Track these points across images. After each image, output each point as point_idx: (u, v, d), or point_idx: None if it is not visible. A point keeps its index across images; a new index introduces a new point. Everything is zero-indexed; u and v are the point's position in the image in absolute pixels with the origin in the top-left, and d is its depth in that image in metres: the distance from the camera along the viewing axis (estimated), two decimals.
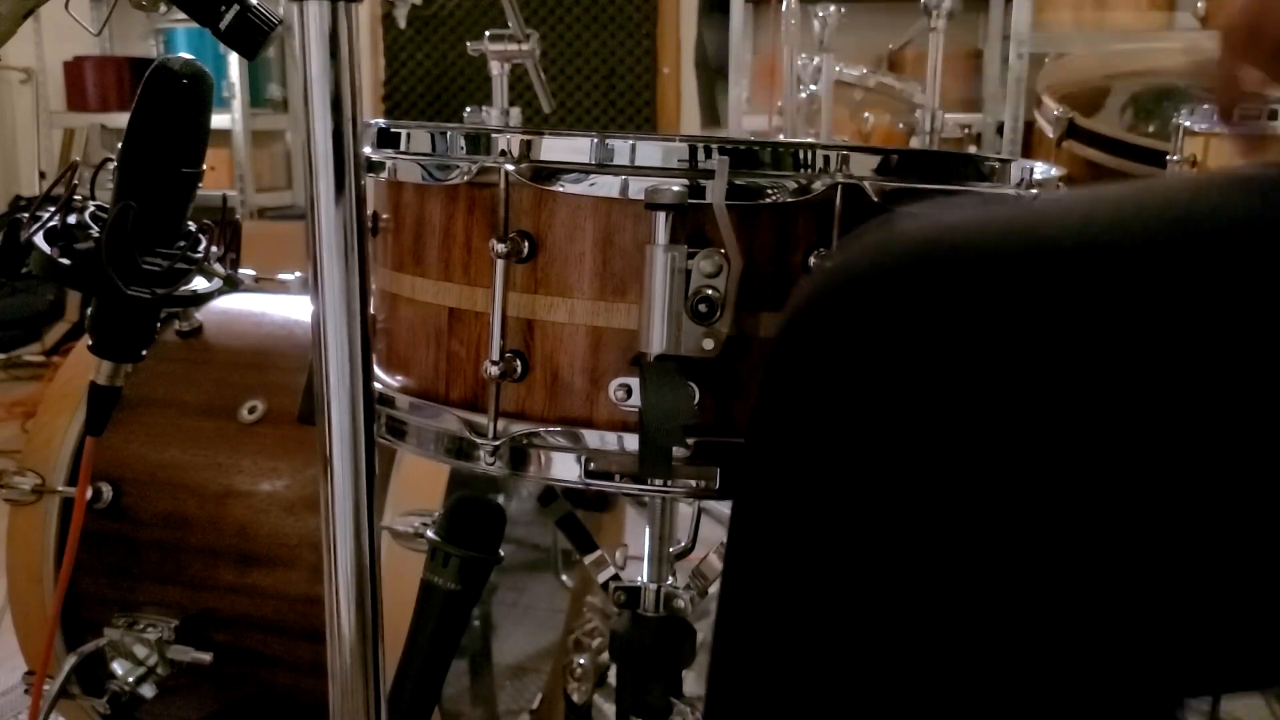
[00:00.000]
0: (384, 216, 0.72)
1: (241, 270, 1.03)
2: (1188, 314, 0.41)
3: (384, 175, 0.70)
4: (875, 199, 0.62)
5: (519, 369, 0.65)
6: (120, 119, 3.24)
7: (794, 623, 0.47)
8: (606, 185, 0.62)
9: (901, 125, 2.32)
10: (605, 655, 1.16)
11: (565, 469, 0.65)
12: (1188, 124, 1.63)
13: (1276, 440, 0.40)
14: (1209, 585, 0.42)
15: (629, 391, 0.62)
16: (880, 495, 0.44)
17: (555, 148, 0.63)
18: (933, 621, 0.44)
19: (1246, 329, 0.41)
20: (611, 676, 0.89)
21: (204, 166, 0.86)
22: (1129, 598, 0.42)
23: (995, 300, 0.43)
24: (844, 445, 0.45)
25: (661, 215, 0.59)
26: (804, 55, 2.05)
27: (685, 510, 0.94)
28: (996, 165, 0.69)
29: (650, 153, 0.62)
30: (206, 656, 1.06)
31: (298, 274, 1.31)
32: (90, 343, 0.91)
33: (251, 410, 1.11)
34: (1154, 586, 0.42)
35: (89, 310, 0.89)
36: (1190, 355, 0.41)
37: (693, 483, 0.63)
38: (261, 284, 1.27)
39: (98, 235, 0.84)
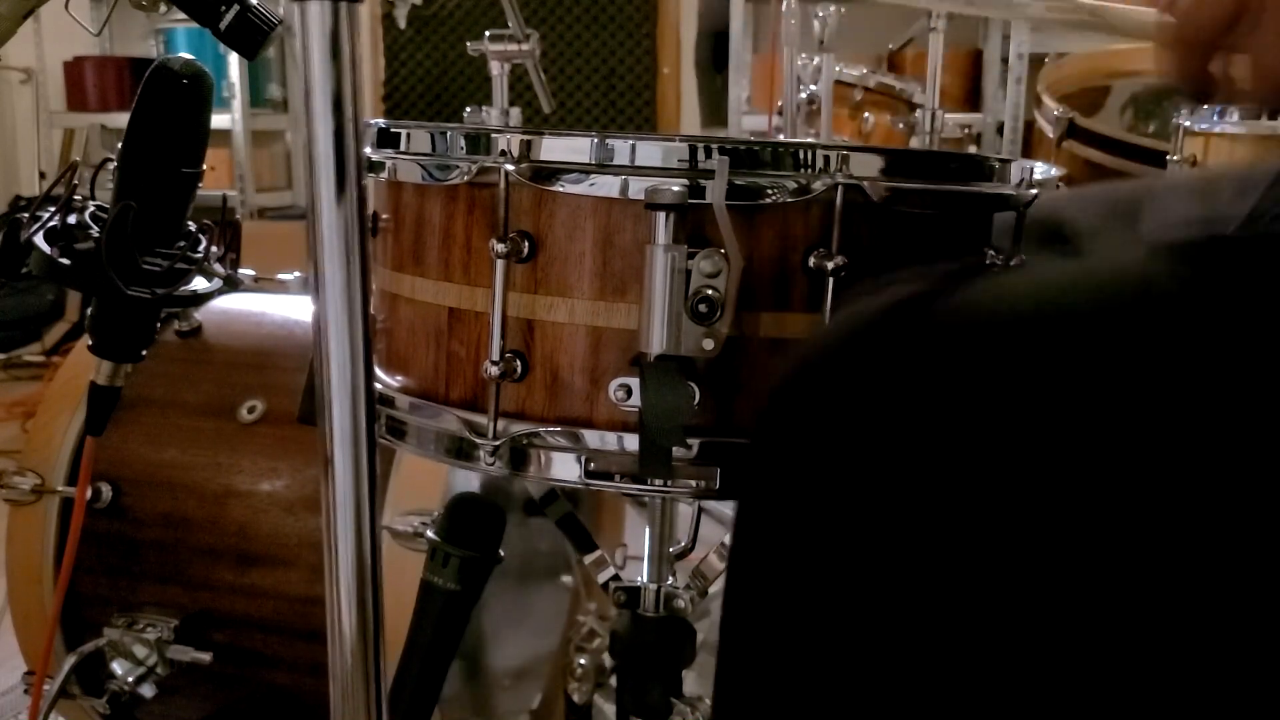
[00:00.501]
0: (384, 217, 0.72)
1: (241, 270, 1.03)
2: (1142, 382, 0.44)
3: (384, 175, 0.70)
4: (875, 199, 0.62)
5: (519, 369, 0.65)
6: (120, 119, 3.23)
7: (797, 628, 0.48)
8: (606, 185, 0.62)
9: (901, 125, 2.32)
10: (605, 655, 1.16)
11: (565, 469, 0.65)
12: (1187, 124, 1.63)
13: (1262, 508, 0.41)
14: (1209, 644, 0.43)
15: (629, 391, 0.62)
16: (862, 546, 0.47)
17: (555, 148, 0.63)
18: (935, 631, 0.44)
19: (1190, 399, 0.43)
20: (612, 677, 0.89)
21: (204, 166, 0.86)
22: (1122, 648, 0.43)
23: (958, 367, 0.46)
24: (826, 506, 0.48)
25: (661, 215, 0.59)
26: (804, 55, 2.06)
27: (685, 510, 0.94)
28: (996, 165, 0.69)
29: (650, 153, 0.62)
30: (206, 656, 1.06)
31: (297, 274, 1.31)
32: (90, 343, 0.91)
33: (251, 410, 1.11)
34: (1152, 646, 0.43)
35: (89, 310, 0.89)
36: (1151, 423, 0.44)
37: (693, 483, 0.63)
38: (261, 284, 1.27)
39: (98, 235, 0.84)
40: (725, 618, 0.52)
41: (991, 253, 0.72)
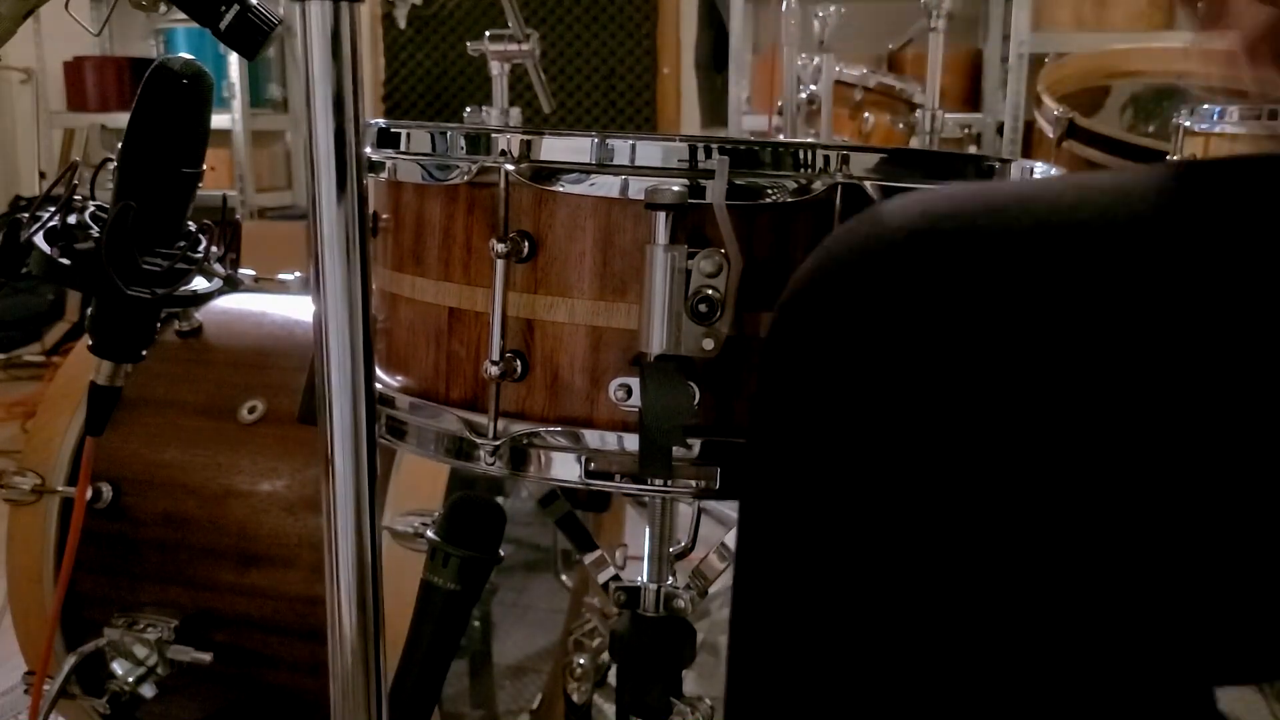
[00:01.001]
0: (384, 216, 0.72)
1: (241, 270, 1.03)
2: (1180, 295, 0.41)
3: (384, 175, 0.70)
4: (875, 198, 0.62)
5: (519, 369, 0.65)
6: (120, 119, 3.23)
7: (807, 614, 0.47)
8: (606, 185, 0.62)
9: (901, 125, 2.32)
10: (605, 655, 1.16)
11: (565, 469, 0.65)
12: (1187, 124, 1.63)
13: (1274, 429, 0.40)
14: (1225, 571, 0.42)
15: (629, 391, 0.62)
16: (884, 482, 0.43)
17: (555, 148, 0.63)
18: (949, 611, 0.43)
19: (1237, 310, 0.41)
20: (611, 677, 0.89)
21: (204, 166, 0.86)
22: (1143, 586, 0.42)
23: (985, 282, 0.43)
24: (842, 432, 0.44)
25: (661, 215, 0.59)
26: (804, 55, 2.06)
27: (685, 510, 0.94)
28: (996, 165, 0.69)
29: (650, 153, 0.62)
30: (206, 656, 1.06)
31: (298, 274, 1.31)
32: (90, 343, 0.91)
33: (251, 410, 1.11)
34: (1168, 574, 0.42)
35: (89, 310, 0.89)
36: (1186, 336, 0.41)
37: (693, 483, 0.63)
38: (261, 284, 1.27)
39: (98, 235, 0.84)
40: (736, 588, 0.51)
41: None
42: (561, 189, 0.63)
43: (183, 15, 0.70)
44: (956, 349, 0.42)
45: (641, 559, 0.83)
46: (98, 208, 0.88)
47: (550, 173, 0.63)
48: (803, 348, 0.46)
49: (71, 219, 0.86)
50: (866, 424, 0.44)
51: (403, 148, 0.69)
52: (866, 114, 2.29)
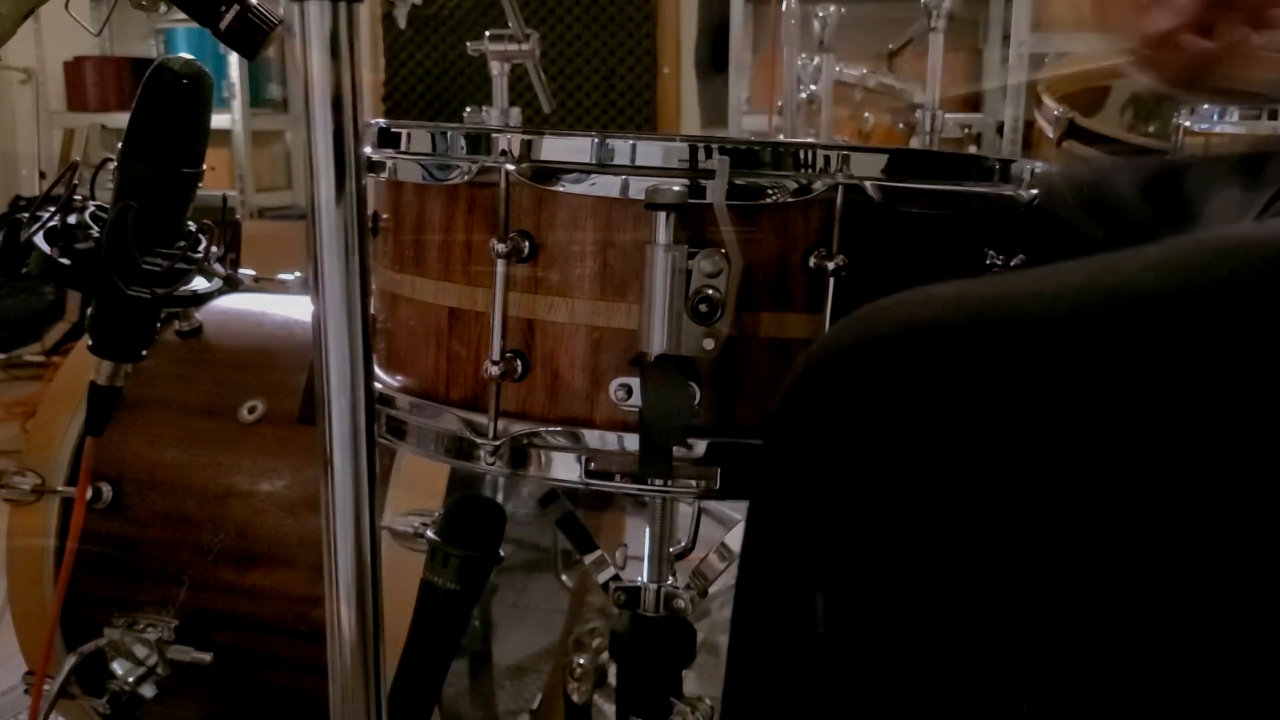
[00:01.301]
0: (384, 216, 0.72)
1: (241, 270, 1.04)
2: (1158, 382, 0.45)
3: (384, 175, 0.70)
4: (875, 199, 0.62)
5: (519, 369, 0.65)
6: (120, 119, 3.23)
7: (809, 618, 0.49)
8: (607, 185, 0.62)
9: (901, 125, 2.32)
10: (605, 655, 1.16)
11: (565, 469, 0.65)
12: (1187, 124, 1.64)
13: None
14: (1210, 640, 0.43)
15: (629, 391, 0.62)
16: (876, 553, 0.46)
17: (555, 148, 0.63)
18: (945, 622, 0.45)
19: (1203, 398, 0.45)
20: (611, 677, 0.89)
21: (204, 166, 0.86)
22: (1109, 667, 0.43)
23: (971, 368, 0.47)
24: (840, 504, 0.48)
25: (662, 215, 0.59)
26: (804, 55, 2.06)
27: (685, 510, 0.94)
28: (996, 165, 0.69)
29: (650, 153, 0.62)
30: (206, 656, 1.06)
31: (298, 274, 1.31)
32: (90, 343, 0.91)
33: (251, 410, 1.11)
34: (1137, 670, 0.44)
35: (89, 310, 0.89)
36: (1157, 423, 0.45)
37: (693, 483, 0.63)
38: (261, 284, 1.27)
39: (98, 235, 0.84)
40: (736, 618, 0.52)
41: (991, 253, 0.72)
42: (562, 189, 0.63)
43: (183, 15, 0.70)
44: (930, 430, 0.47)
45: (641, 559, 0.83)
46: (98, 208, 0.88)
47: (550, 173, 0.63)
48: (799, 431, 0.52)
49: (71, 219, 0.86)
50: (856, 492, 0.49)
51: (403, 148, 0.69)
52: (866, 114, 2.29)
